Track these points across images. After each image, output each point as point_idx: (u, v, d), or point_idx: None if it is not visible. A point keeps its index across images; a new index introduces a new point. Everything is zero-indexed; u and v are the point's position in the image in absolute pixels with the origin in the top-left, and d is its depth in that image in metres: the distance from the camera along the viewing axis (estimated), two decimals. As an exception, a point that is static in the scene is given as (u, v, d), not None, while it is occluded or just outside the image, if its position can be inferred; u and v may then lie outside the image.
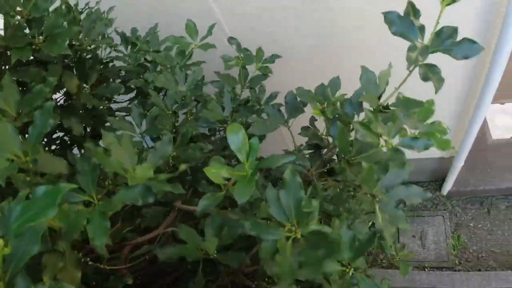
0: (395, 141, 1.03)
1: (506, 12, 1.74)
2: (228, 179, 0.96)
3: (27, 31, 1.18)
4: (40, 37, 1.13)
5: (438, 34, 0.97)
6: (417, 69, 1.03)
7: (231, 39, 1.68)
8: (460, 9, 1.81)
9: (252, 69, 1.73)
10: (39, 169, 0.93)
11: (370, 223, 1.44)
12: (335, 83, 1.34)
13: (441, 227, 3.51)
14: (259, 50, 1.70)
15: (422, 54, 0.98)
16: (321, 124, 1.52)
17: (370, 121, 1.00)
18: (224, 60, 1.66)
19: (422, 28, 0.99)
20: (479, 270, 3.24)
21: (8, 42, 1.06)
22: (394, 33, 0.98)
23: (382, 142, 1.02)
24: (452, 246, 3.38)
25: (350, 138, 1.16)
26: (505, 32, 1.87)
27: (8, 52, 1.17)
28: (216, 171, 0.89)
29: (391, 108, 1.12)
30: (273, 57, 1.71)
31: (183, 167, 1.09)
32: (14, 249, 0.56)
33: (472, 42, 0.94)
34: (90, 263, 1.17)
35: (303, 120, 1.48)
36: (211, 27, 1.63)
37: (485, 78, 2.22)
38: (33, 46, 1.10)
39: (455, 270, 3.28)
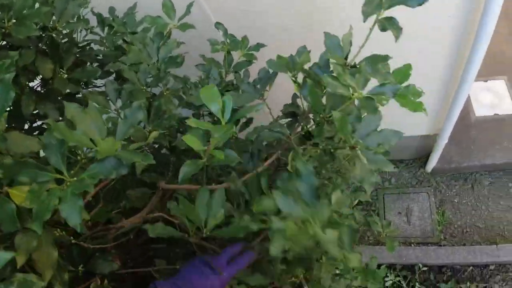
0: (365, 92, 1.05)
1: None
2: (208, 142, 0.98)
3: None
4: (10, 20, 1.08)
5: None
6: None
7: (217, 25, 1.67)
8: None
9: (237, 55, 1.71)
10: (10, 148, 0.89)
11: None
12: (302, 52, 1.37)
13: (426, 204, 3.56)
14: (244, 39, 1.69)
15: (378, 9, 1.05)
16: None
17: (338, 74, 1.02)
18: (211, 43, 1.64)
19: None
20: (464, 244, 3.31)
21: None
22: None
23: (353, 98, 1.05)
24: (437, 222, 3.43)
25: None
26: (489, 9, 1.87)
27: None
28: (195, 128, 0.90)
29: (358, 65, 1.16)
30: (258, 46, 1.69)
31: (154, 133, 1.07)
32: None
33: None
34: (74, 241, 1.16)
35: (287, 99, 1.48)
36: (190, 5, 1.59)
37: (468, 56, 2.23)
38: (3, 30, 1.06)
39: (441, 245, 3.34)
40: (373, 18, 1.09)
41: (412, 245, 3.41)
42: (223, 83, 1.64)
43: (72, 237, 1.16)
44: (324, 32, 1.25)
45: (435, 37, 2.23)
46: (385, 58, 1.12)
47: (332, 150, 1.18)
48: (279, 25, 2.20)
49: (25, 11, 1.06)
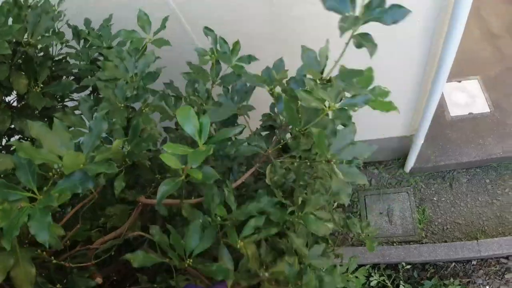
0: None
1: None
2: (185, 164, 0.98)
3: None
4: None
5: (368, 5, 1.02)
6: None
7: (206, 30, 1.59)
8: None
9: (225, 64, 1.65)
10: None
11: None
12: (279, 64, 1.39)
13: (406, 203, 3.62)
14: (236, 44, 1.62)
15: (354, 24, 1.03)
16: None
17: (311, 89, 1.05)
18: (199, 53, 1.58)
19: (353, 1, 1.03)
20: (445, 241, 3.38)
21: None
22: (328, 8, 1.02)
23: (327, 111, 1.07)
24: (418, 220, 3.50)
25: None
26: (458, 9, 1.92)
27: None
28: (172, 152, 0.91)
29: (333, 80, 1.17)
30: (250, 58, 1.62)
31: (117, 142, 1.07)
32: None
33: (399, 7, 0.99)
34: (54, 261, 1.16)
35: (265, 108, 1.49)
36: (165, 19, 1.57)
37: (440, 56, 2.28)
38: (-25, 46, 1.05)
39: (422, 243, 3.41)
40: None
41: (395, 244, 3.46)
42: (210, 97, 1.59)
43: (52, 257, 1.16)
44: (301, 46, 1.25)
45: (406, 39, 2.28)
46: (359, 73, 1.14)
47: (309, 163, 1.21)
48: (254, 34, 2.22)
49: (-4, 28, 1.06)
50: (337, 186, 1.20)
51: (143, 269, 1.43)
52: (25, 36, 1.28)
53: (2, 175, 1.03)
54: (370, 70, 1.14)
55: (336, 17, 1.03)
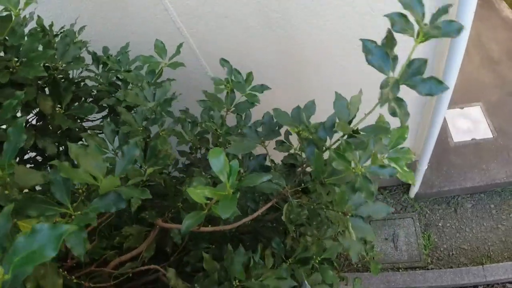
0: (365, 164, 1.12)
1: (456, 17, 1.87)
2: (210, 199, 1.02)
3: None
4: (16, 59, 1.17)
5: (409, 66, 1.02)
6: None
7: (223, 61, 1.68)
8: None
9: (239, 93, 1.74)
10: (16, 182, 0.96)
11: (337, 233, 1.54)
12: (310, 107, 1.41)
13: (411, 229, 3.64)
14: (249, 74, 1.71)
15: (393, 90, 1.01)
16: (294, 138, 1.61)
17: (344, 150, 1.08)
18: (215, 82, 1.67)
19: (395, 59, 1.03)
20: (451, 267, 3.38)
21: (-15, 63, 1.09)
22: (370, 63, 1.01)
23: (353, 172, 1.10)
24: (423, 246, 3.51)
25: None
26: (456, 42, 2.01)
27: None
28: (200, 192, 0.96)
29: (361, 133, 1.19)
30: (263, 87, 1.71)
31: (150, 170, 1.14)
32: (12, 273, 0.59)
33: (439, 81, 1.00)
34: (75, 281, 1.20)
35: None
36: (179, 46, 1.68)
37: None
38: (10, 69, 1.14)
39: (428, 269, 3.41)
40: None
41: (400, 270, 3.46)
42: (224, 124, 1.68)
43: (65, 272, 1.21)
44: (335, 92, 1.26)
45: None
46: (387, 130, 1.15)
47: (324, 210, 1.27)
48: (267, 64, 2.32)
49: (33, 54, 1.15)
50: (349, 243, 1.27)
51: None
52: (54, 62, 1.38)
53: (29, 190, 1.09)
54: (404, 129, 1.19)
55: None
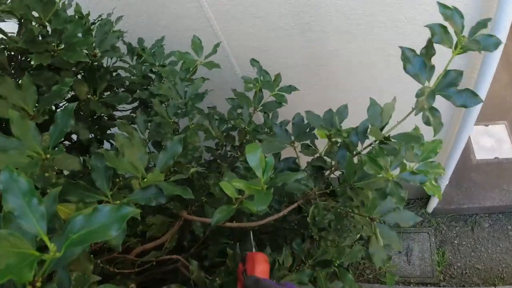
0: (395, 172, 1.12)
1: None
2: (241, 193, 1.05)
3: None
4: (57, 44, 1.19)
5: (445, 76, 1.03)
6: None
7: (253, 61, 1.71)
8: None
9: (267, 93, 1.77)
10: (55, 166, 0.98)
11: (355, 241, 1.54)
12: (342, 111, 1.42)
13: (426, 244, 3.59)
14: (278, 76, 1.73)
15: (429, 100, 1.01)
16: (320, 143, 1.61)
17: (376, 154, 1.09)
18: (245, 81, 1.70)
19: (432, 69, 1.03)
20: (463, 286, 3.32)
21: (28, 46, 1.12)
22: (407, 72, 1.02)
23: (384, 178, 1.11)
24: (437, 262, 3.46)
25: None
26: (489, 57, 1.99)
27: (20, 55, 1.23)
28: (235, 185, 0.97)
29: (393, 140, 1.20)
30: (290, 88, 1.73)
31: (193, 169, 1.16)
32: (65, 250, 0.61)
33: (474, 94, 1.00)
34: (101, 265, 1.22)
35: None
36: (216, 45, 1.68)
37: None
38: (51, 53, 1.17)
39: (440, 286, 3.36)
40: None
41: (411, 285, 3.41)
42: (251, 121, 1.70)
43: (98, 260, 1.23)
44: (370, 98, 1.27)
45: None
46: (419, 139, 1.16)
47: (352, 214, 1.27)
48: (295, 66, 2.33)
49: (75, 39, 1.17)
50: (374, 249, 1.27)
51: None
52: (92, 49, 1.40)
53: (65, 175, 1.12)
54: (438, 142, 1.18)
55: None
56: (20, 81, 1.03)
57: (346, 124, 1.44)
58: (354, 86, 2.39)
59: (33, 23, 1.18)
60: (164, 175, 0.98)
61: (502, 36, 1.80)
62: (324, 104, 2.41)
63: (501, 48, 1.91)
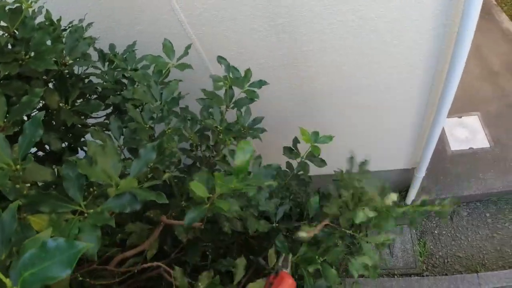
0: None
1: (458, 31, 1.90)
2: (212, 193, 1.06)
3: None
4: (25, 52, 1.17)
5: None
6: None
7: (220, 59, 1.70)
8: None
9: (238, 90, 1.76)
10: (27, 177, 0.96)
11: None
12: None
13: (407, 235, 3.66)
14: (248, 71, 1.72)
15: None
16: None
17: None
18: (213, 80, 1.68)
19: None
20: (446, 274, 3.40)
21: (-6, 54, 1.09)
22: None
23: None
24: (419, 253, 3.52)
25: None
26: (459, 49, 2.02)
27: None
28: (201, 179, 0.97)
29: None
30: (261, 83, 1.73)
31: (166, 175, 1.15)
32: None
33: None
34: (80, 278, 1.20)
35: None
36: (188, 47, 1.67)
37: (440, 94, 2.37)
38: (19, 62, 1.14)
39: (423, 276, 3.42)
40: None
41: (395, 276, 3.47)
42: (223, 120, 1.69)
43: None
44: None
45: (410, 74, 2.39)
46: None
47: None
48: (272, 67, 2.34)
49: (43, 47, 1.15)
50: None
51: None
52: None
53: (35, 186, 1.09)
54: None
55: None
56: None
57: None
58: (327, 84, 2.42)
59: (0, 33, 1.15)
60: (136, 182, 0.96)
61: (470, 28, 1.84)
62: (301, 100, 2.42)
63: (469, 43, 1.96)
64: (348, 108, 2.62)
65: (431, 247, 3.55)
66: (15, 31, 1.18)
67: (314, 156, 1.75)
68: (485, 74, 4.30)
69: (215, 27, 2.07)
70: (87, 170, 0.91)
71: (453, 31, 1.97)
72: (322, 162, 1.79)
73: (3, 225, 0.72)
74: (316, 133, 1.68)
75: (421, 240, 3.59)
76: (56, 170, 1.06)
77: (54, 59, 1.35)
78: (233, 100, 1.72)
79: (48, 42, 1.26)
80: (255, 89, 1.71)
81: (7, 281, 0.55)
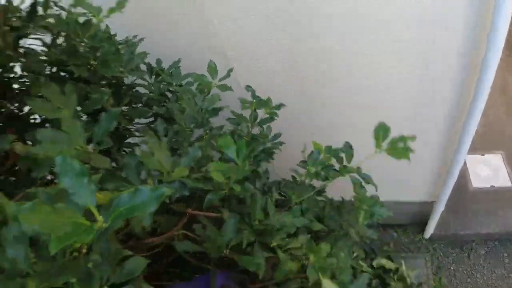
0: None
1: (481, 67, 2.01)
2: (228, 178, 1.27)
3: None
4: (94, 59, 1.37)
5: None
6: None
7: (247, 88, 1.92)
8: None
9: (261, 112, 1.97)
10: (91, 163, 1.12)
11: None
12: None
13: (423, 270, 3.66)
14: (268, 100, 1.95)
15: None
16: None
17: None
18: (241, 102, 1.89)
19: None
20: (459, 312, 3.39)
21: (68, 58, 1.29)
22: None
23: None
24: (433, 288, 3.52)
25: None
26: (480, 88, 2.13)
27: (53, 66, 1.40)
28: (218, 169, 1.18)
29: None
30: (279, 106, 1.95)
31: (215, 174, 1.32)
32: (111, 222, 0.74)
33: None
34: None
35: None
36: (230, 70, 1.85)
37: (462, 129, 2.46)
38: (88, 66, 1.33)
39: (437, 311, 3.41)
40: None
41: (409, 310, 3.47)
42: (250, 134, 1.89)
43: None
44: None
45: (431, 111, 2.50)
46: None
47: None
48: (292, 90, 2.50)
49: (111, 56, 1.34)
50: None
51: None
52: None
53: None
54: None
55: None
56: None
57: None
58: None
59: (77, 39, 1.35)
60: (187, 171, 1.13)
61: (494, 63, 1.95)
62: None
63: (491, 77, 2.06)
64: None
65: (446, 283, 3.55)
66: (85, 40, 1.37)
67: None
68: (511, 113, 4.35)
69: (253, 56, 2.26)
70: (148, 159, 1.08)
71: (475, 62, 2.08)
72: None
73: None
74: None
75: (436, 275, 3.60)
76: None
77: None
78: (258, 120, 1.94)
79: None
80: (275, 110, 1.94)
81: (100, 217, 0.72)
